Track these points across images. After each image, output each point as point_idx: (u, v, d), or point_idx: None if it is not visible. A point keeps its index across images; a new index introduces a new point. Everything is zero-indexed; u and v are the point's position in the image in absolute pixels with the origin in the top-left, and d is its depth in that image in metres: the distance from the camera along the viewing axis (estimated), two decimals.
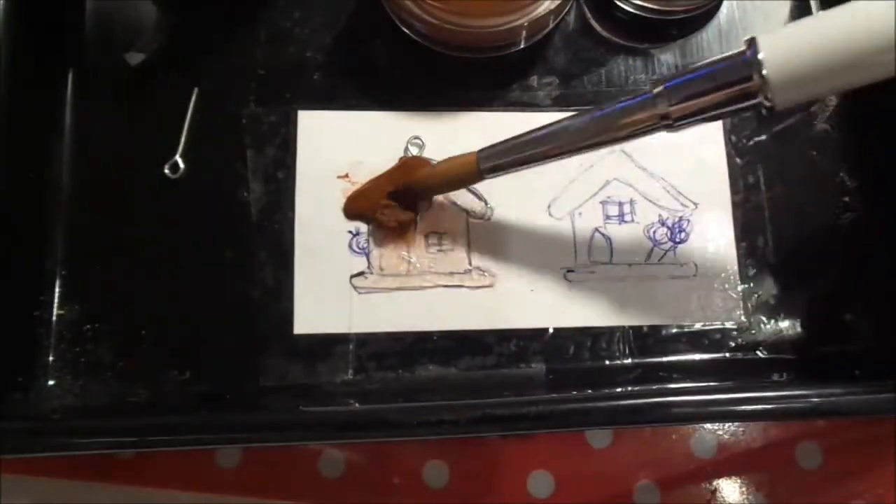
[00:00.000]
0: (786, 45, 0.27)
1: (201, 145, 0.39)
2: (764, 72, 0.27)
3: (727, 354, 0.38)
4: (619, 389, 0.35)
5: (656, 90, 0.30)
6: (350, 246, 0.38)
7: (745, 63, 0.28)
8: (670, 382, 0.36)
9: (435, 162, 0.38)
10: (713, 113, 0.30)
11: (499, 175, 0.35)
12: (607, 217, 0.39)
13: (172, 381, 0.36)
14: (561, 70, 0.41)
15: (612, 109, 0.32)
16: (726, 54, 0.29)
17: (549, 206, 0.39)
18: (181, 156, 0.39)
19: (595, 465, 0.39)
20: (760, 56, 0.27)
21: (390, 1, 0.39)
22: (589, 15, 0.42)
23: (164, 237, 0.38)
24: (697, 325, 0.38)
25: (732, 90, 0.29)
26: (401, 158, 0.39)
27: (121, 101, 0.39)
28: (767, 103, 0.28)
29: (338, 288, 0.38)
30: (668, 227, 0.39)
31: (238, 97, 0.39)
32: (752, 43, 0.28)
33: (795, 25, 0.28)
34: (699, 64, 0.30)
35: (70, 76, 0.39)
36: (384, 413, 0.34)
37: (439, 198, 0.39)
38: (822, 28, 0.27)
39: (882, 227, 0.39)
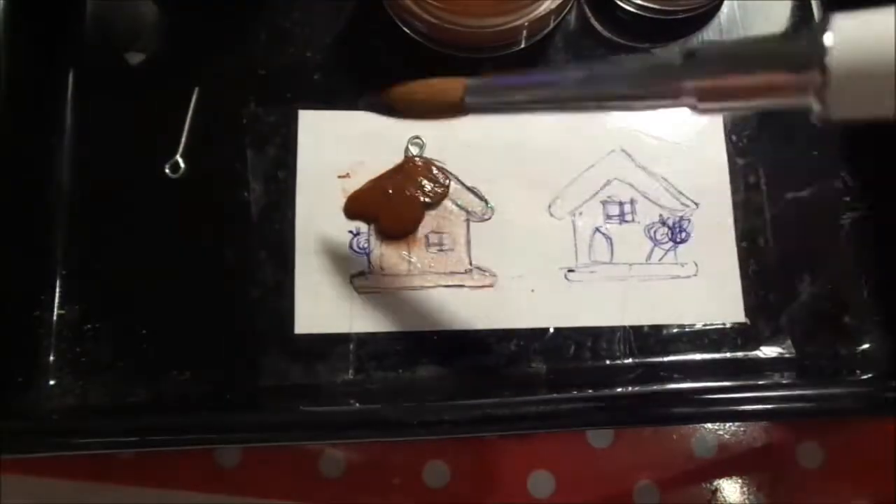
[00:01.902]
0: (863, 36, 0.20)
1: (201, 145, 0.39)
2: (827, 63, 0.20)
3: (727, 354, 0.38)
4: (619, 389, 0.35)
5: (684, 62, 0.24)
6: (350, 246, 0.38)
7: (805, 48, 0.21)
8: (671, 382, 0.36)
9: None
10: (749, 104, 0.25)
11: (483, 114, 0.30)
12: (608, 217, 0.39)
13: (172, 381, 0.36)
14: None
15: (625, 72, 0.26)
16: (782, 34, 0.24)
17: (549, 206, 0.39)
18: (181, 156, 0.39)
19: (595, 465, 0.39)
20: (828, 42, 0.20)
21: (390, 1, 0.39)
22: (590, 14, 0.42)
23: (165, 237, 0.38)
24: (698, 325, 0.38)
25: (780, 78, 0.22)
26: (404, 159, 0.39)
27: (121, 101, 0.39)
28: (816, 108, 0.21)
29: (338, 288, 0.38)
30: (669, 227, 0.39)
31: (238, 97, 0.39)
32: (822, 25, 0.20)
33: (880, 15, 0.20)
34: (744, 40, 0.25)
35: (70, 76, 0.39)
36: (384, 413, 0.34)
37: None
38: None
39: (882, 228, 0.39)
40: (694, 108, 0.24)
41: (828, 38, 0.20)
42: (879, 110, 0.20)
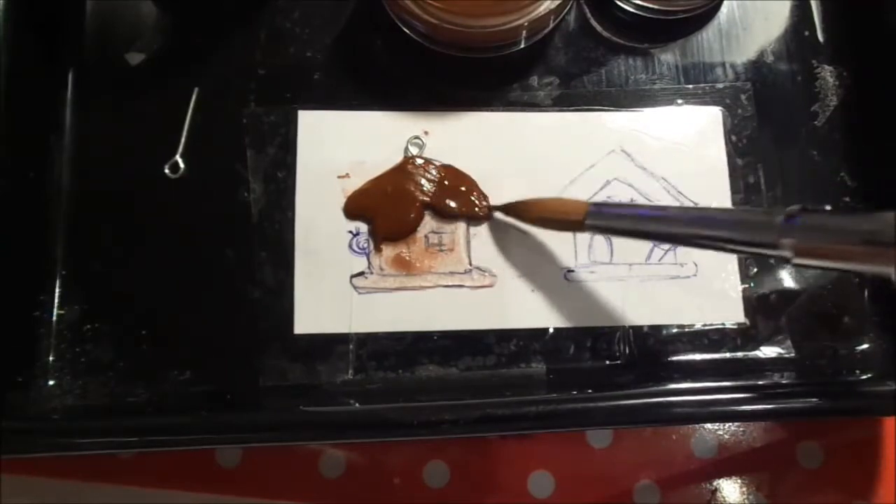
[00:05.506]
0: None
1: (201, 145, 0.39)
2: None
3: (727, 354, 0.38)
4: (619, 389, 0.35)
5: (784, 223, 0.28)
6: (350, 246, 0.38)
7: (886, 227, 0.25)
8: (670, 382, 0.36)
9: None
10: (835, 265, 0.28)
11: (598, 233, 0.37)
12: None
13: (172, 381, 0.36)
14: (561, 70, 0.41)
15: (730, 218, 0.31)
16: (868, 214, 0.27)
17: None
18: (181, 156, 0.39)
19: (595, 465, 0.39)
20: None
21: (390, 1, 0.39)
22: (589, 15, 0.42)
23: (165, 237, 0.38)
24: (697, 325, 0.38)
25: (864, 250, 0.26)
26: (404, 158, 0.39)
27: (121, 101, 0.39)
28: (894, 276, 0.25)
29: (338, 288, 0.38)
30: None
31: (238, 97, 0.39)
32: None
33: None
34: (837, 218, 0.29)
35: (70, 76, 0.39)
36: (384, 413, 0.34)
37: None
38: None
39: None
40: (787, 260, 0.28)
41: None
42: None
